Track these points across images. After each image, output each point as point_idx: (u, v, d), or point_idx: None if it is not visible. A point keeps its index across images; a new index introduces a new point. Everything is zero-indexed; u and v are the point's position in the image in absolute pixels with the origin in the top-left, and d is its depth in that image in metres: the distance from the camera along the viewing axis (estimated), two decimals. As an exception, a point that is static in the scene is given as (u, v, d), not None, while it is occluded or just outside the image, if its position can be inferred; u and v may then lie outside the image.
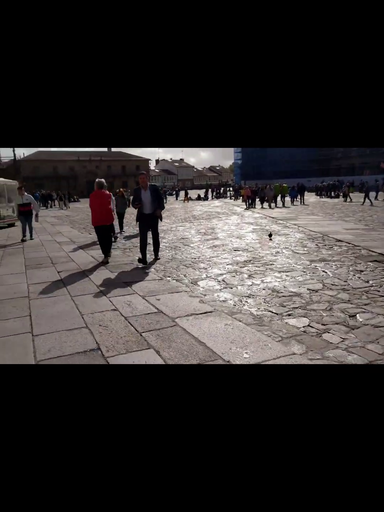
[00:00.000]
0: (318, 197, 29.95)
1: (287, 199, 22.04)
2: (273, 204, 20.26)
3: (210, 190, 36.47)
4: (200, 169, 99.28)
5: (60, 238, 10.35)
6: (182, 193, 38.04)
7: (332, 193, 28.36)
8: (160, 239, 7.01)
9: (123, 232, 11.07)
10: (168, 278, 5.37)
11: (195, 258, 6.85)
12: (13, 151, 28.41)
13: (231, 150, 67.42)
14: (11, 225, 13.67)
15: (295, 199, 22.79)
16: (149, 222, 6.33)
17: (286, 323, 3.49)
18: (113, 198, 8.12)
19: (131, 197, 8.70)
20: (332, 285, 4.73)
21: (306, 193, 23.58)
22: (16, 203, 9.96)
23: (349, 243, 7.76)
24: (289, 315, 3.71)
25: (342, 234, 9.08)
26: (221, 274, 5.52)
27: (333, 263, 5.99)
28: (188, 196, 31.85)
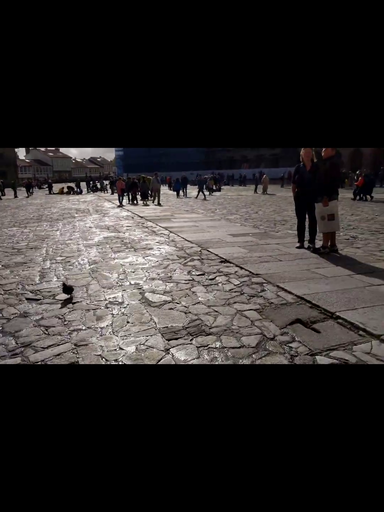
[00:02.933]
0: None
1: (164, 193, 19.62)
2: (156, 200, 16.97)
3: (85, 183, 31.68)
4: (79, 160, 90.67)
5: None
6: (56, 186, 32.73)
7: (214, 186, 27.12)
8: None
9: None
10: None
11: None
12: None
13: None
14: None
15: (178, 193, 21.28)
16: None
17: None
18: None
19: None
20: None
21: (189, 186, 21.97)
22: None
23: (242, 267, 4.66)
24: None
25: (228, 246, 6.04)
26: None
27: (218, 343, 2.67)
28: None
